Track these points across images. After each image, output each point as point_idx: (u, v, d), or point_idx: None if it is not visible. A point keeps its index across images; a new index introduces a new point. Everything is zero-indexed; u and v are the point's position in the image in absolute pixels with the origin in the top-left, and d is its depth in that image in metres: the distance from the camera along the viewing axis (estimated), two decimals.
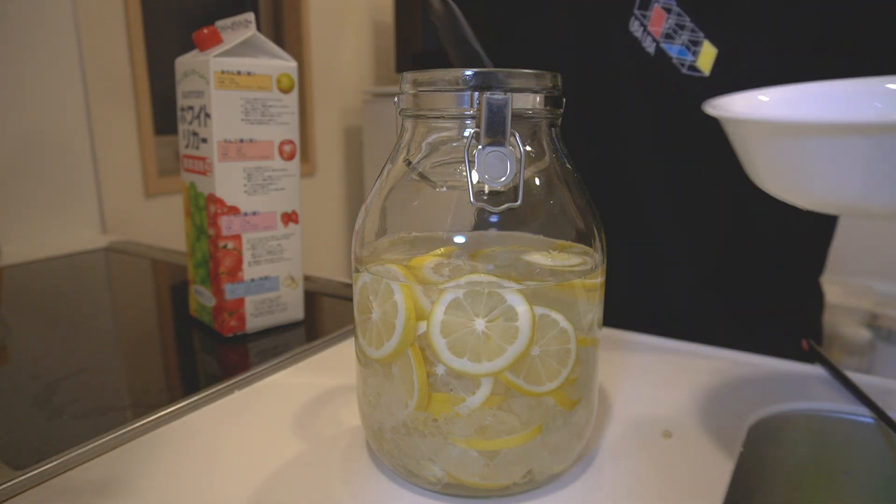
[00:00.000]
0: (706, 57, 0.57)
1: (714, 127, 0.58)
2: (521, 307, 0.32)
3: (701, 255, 0.65)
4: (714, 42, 0.57)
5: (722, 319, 0.66)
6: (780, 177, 0.30)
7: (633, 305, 0.67)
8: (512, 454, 0.33)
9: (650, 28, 0.57)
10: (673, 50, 0.57)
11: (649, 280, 0.66)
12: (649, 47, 0.58)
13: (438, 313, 0.32)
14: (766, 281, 0.66)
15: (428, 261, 0.35)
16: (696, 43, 0.57)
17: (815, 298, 0.72)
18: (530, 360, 0.33)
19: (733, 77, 0.57)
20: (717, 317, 0.66)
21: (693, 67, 0.57)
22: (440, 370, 0.33)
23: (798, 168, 0.29)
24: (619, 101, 0.62)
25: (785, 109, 0.37)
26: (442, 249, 0.36)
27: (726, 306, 0.66)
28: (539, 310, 0.33)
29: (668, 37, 0.57)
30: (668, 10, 0.57)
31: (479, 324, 0.32)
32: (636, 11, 0.58)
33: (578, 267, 0.35)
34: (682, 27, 0.56)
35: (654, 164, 0.63)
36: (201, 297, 0.62)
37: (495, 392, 0.33)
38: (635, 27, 0.58)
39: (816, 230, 0.66)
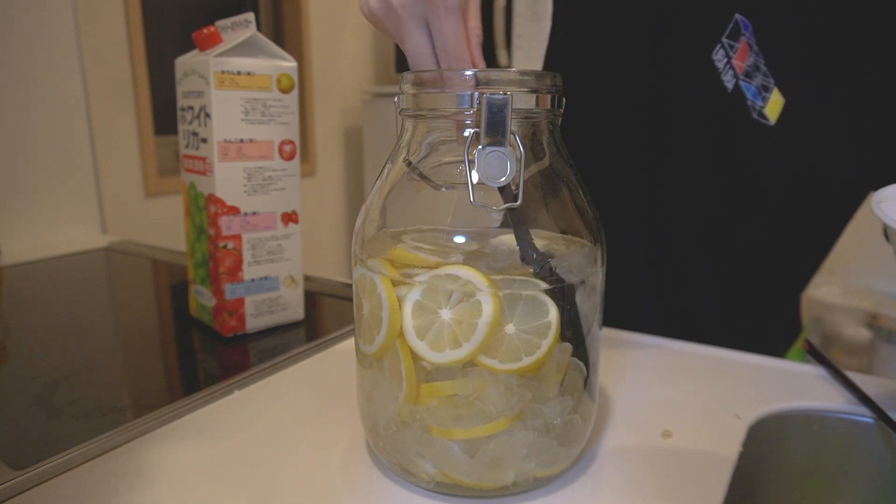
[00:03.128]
0: (774, 106, 0.55)
1: (771, 177, 0.58)
2: (478, 281, 0.33)
3: (718, 269, 0.65)
4: (783, 91, 0.55)
5: (727, 323, 0.66)
6: None
7: (651, 309, 0.67)
8: (489, 454, 0.34)
9: (734, 61, 0.54)
10: (749, 91, 0.55)
11: (668, 285, 0.66)
12: (728, 82, 0.55)
13: (407, 316, 0.33)
14: (766, 290, 0.67)
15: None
16: (767, 89, 0.55)
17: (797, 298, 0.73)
18: (507, 339, 0.33)
19: (797, 132, 0.56)
20: (723, 320, 0.66)
21: (762, 114, 0.55)
22: (428, 365, 0.33)
23: None
24: (683, 127, 0.60)
25: None
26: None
27: (733, 313, 0.66)
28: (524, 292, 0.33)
29: (748, 75, 0.55)
30: (751, 47, 0.54)
31: (445, 314, 0.32)
32: (724, 39, 0.55)
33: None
34: (758, 69, 0.54)
35: (693, 191, 0.62)
36: (201, 297, 0.62)
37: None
38: (719, 56, 0.55)
39: (826, 240, 0.66)
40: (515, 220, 0.35)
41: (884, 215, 0.35)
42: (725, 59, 0.55)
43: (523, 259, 0.35)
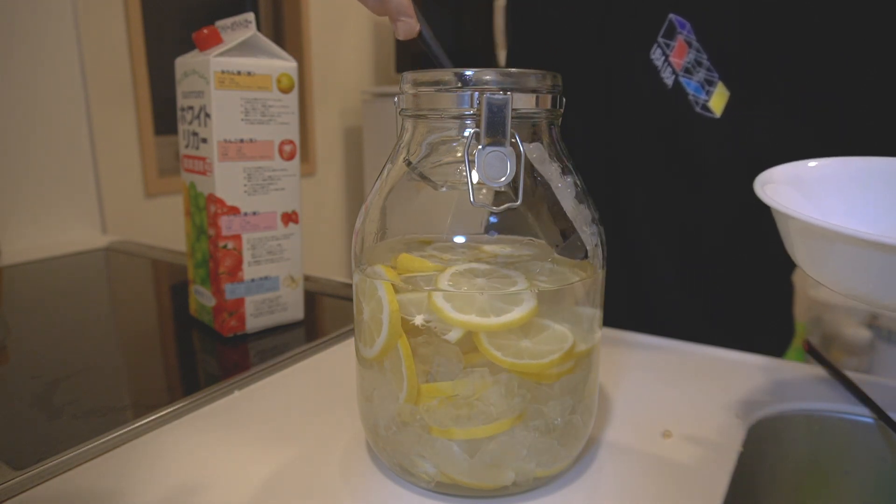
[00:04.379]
0: (719, 99, 0.57)
1: (723, 170, 0.59)
2: (519, 280, 0.33)
3: (687, 269, 0.65)
4: (728, 85, 0.57)
5: (706, 325, 0.66)
6: (812, 265, 0.34)
7: (622, 310, 0.67)
8: (489, 454, 0.34)
9: (672, 59, 0.57)
10: (690, 86, 0.57)
11: (637, 288, 0.67)
12: (668, 79, 0.57)
13: (444, 278, 0.33)
14: (748, 287, 0.67)
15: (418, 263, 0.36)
16: (711, 83, 0.57)
17: (787, 294, 0.73)
18: (531, 350, 0.33)
19: (742, 124, 0.58)
20: (701, 323, 0.66)
21: (706, 107, 0.57)
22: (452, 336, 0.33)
23: (828, 263, 0.33)
24: (630, 126, 0.62)
25: (827, 195, 0.40)
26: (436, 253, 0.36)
27: (710, 314, 0.67)
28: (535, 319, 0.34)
29: (687, 71, 0.57)
30: (690, 45, 0.56)
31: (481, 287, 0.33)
32: (660, 39, 0.58)
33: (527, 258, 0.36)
34: (699, 64, 0.56)
35: (651, 191, 0.64)
36: (201, 297, 0.62)
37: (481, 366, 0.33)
38: (657, 55, 0.57)
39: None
40: (529, 207, 0.35)
41: (766, 197, 0.35)
42: (663, 58, 0.57)
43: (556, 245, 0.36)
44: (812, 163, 0.41)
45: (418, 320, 0.33)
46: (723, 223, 0.63)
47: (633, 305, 0.67)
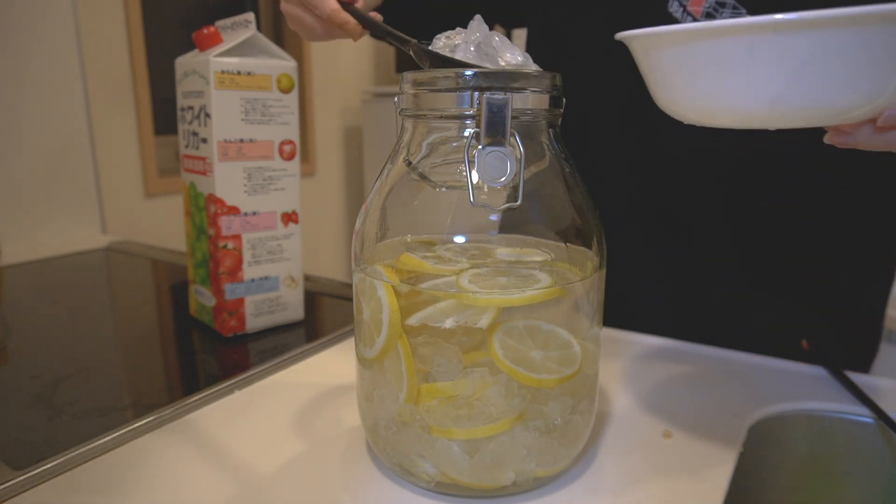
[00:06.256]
0: None
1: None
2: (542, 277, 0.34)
3: (748, 253, 0.61)
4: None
5: (767, 327, 0.61)
6: (689, 91, 0.31)
7: (670, 307, 0.64)
8: (489, 454, 0.34)
9: (690, 7, 0.54)
10: None
11: (691, 280, 0.63)
12: None
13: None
14: (820, 283, 0.61)
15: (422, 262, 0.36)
16: None
17: (877, 303, 0.65)
18: (537, 362, 0.33)
19: None
20: (763, 323, 0.61)
21: None
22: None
23: (711, 77, 0.29)
24: None
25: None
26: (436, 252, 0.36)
27: (772, 312, 0.62)
28: (541, 323, 0.34)
29: (709, 16, 0.54)
30: None
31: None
32: None
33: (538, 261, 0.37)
34: (723, 5, 0.54)
35: (695, 152, 0.59)
36: (201, 297, 0.62)
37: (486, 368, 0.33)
38: (674, 7, 0.55)
39: (880, 232, 0.61)
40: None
41: (622, 34, 0.32)
42: (681, 9, 0.55)
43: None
44: (662, 29, 0.38)
45: (448, 323, 0.33)
46: (778, 190, 0.58)
47: (676, 300, 0.64)
